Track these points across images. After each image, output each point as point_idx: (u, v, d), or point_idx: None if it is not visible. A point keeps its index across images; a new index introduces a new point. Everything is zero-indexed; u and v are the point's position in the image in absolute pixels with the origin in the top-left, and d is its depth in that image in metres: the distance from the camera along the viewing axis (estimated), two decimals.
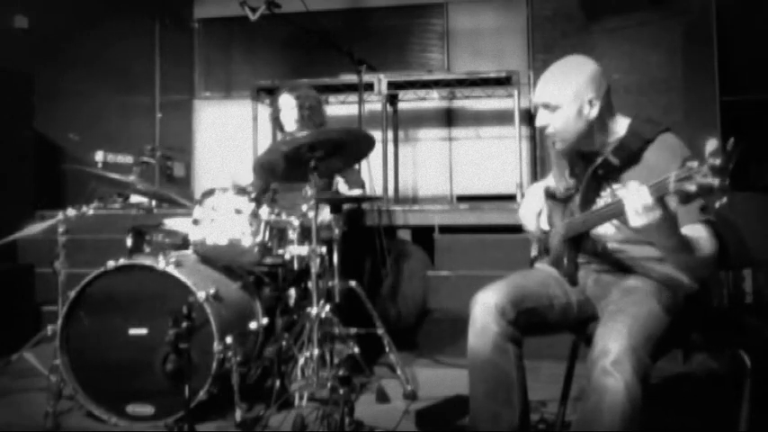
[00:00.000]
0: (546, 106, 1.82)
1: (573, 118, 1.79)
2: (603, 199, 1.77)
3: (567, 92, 1.78)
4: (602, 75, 1.81)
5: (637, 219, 1.47)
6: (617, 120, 1.85)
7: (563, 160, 2.00)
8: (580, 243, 1.87)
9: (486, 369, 1.77)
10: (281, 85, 4.03)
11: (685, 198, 1.38)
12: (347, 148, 2.69)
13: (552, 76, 1.83)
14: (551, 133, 1.84)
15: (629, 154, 1.75)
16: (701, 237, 1.63)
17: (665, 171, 1.46)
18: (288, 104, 3.40)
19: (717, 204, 1.34)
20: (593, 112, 1.78)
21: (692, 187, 1.35)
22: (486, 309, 1.77)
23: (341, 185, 3.49)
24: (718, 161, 1.29)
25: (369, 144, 2.70)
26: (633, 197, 1.46)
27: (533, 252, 2.12)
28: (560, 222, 1.93)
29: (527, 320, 1.79)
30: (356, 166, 3.46)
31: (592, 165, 1.82)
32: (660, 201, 1.45)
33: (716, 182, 1.30)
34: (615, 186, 1.75)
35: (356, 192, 3.38)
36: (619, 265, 1.85)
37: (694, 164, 1.34)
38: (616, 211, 1.68)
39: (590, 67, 1.81)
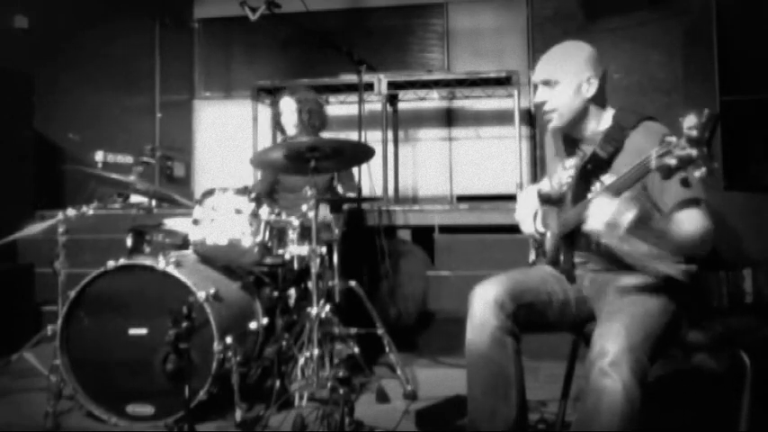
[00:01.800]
0: (546, 83, 1.86)
1: (571, 94, 1.83)
2: (593, 193, 1.77)
3: (566, 68, 1.82)
4: (599, 59, 1.85)
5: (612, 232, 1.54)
6: (608, 110, 1.88)
7: (558, 158, 2.00)
8: (574, 240, 1.88)
9: (484, 364, 1.76)
10: (282, 87, 4.03)
11: (667, 172, 1.41)
12: (346, 154, 2.71)
13: (552, 55, 1.87)
14: (549, 110, 1.86)
15: (615, 144, 1.77)
16: (688, 217, 1.64)
17: (649, 152, 1.48)
18: (288, 108, 3.40)
19: (697, 174, 1.35)
20: (591, 90, 1.82)
21: (672, 161, 1.38)
22: (484, 302, 1.77)
23: (339, 187, 3.48)
24: (694, 132, 1.34)
25: (368, 154, 2.75)
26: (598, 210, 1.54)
27: (531, 257, 2.12)
28: (555, 223, 1.94)
29: (526, 315, 1.79)
30: (353, 170, 3.46)
31: (580, 159, 1.84)
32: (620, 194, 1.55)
33: (694, 152, 1.34)
34: (604, 178, 1.77)
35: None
36: (613, 262, 1.85)
37: (672, 139, 1.38)
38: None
39: (589, 49, 1.86)
